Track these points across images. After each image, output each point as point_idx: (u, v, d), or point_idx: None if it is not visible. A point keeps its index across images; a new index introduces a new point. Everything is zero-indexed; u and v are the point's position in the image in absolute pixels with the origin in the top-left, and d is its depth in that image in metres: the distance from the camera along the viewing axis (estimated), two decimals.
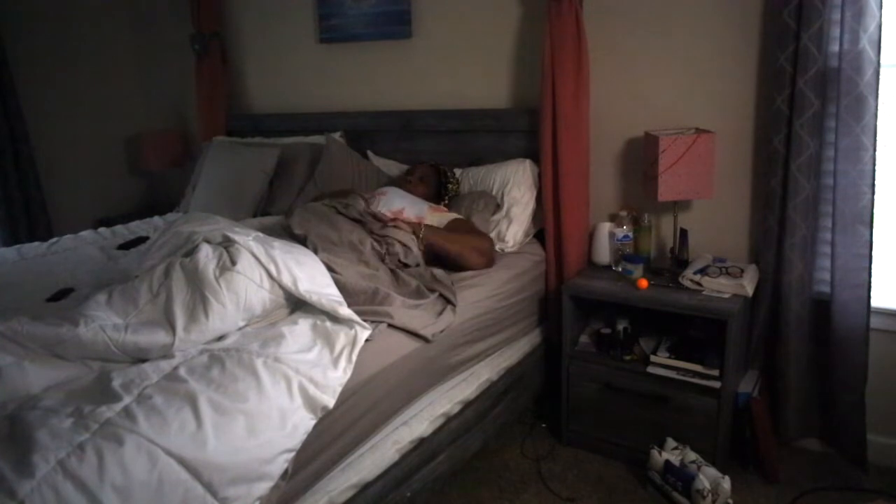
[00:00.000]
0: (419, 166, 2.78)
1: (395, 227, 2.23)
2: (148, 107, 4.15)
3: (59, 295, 2.06)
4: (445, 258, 2.30)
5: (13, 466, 1.14)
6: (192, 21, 3.57)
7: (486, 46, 2.91)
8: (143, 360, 1.53)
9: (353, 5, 3.22)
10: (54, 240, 2.87)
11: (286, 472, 1.46)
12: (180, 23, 3.71)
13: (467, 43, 2.96)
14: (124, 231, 3.04)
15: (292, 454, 1.47)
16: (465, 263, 2.33)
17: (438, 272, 2.18)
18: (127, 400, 1.33)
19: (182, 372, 1.45)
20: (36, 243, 2.83)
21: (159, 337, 1.55)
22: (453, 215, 2.51)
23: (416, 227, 2.26)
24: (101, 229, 3.08)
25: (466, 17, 2.93)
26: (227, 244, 1.76)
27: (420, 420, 1.97)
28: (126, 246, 2.71)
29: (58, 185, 3.75)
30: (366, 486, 1.76)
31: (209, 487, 1.30)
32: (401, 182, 2.73)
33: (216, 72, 3.61)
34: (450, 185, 2.74)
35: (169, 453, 1.26)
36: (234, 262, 1.69)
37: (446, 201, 2.72)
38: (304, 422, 1.51)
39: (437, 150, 2.98)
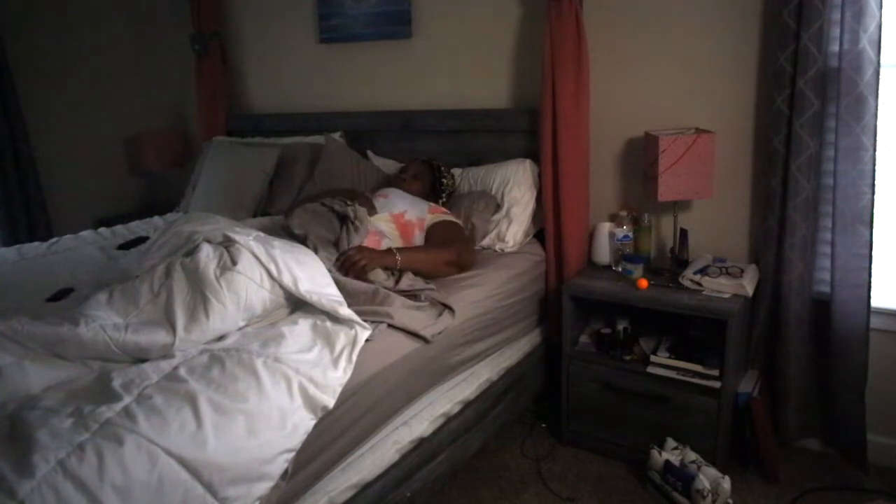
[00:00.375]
0: (412, 164, 2.76)
1: (368, 263, 2.07)
2: (148, 107, 4.15)
3: (59, 295, 2.06)
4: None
5: (13, 466, 1.14)
6: (192, 21, 3.57)
7: (486, 46, 2.91)
8: (144, 360, 1.53)
9: (353, 5, 3.22)
10: (54, 240, 2.87)
11: (286, 472, 1.46)
12: (180, 23, 3.71)
13: (467, 43, 2.96)
14: (124, 231, 3.04)
15: (292, 454, 1.47)
16: (437, 276, 2.26)
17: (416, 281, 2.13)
18: (127, 400, 1.33)
19: (182, 372, 1.45)
20: (36, 243, 2.83)
21: (160, 337, 1.55)
22: (446, 217, 2.46)
23: (391, 262, 2.12)
24: (101, 229, 3.08)
25: (466, 17, 2.93)
26: (227, 244, 1.76)
27: (420, 420, 1.97)
28: (126, 246, 2.71)
29: (58, 185, 3.75)
30: (366, 486, 1.76)
31: (209, 487, 1.30)
32: (395, 180, 2.71)
33: (216, 72, 3.61)
34: (444, 180, 2.71)
35: (169, 453, 1.26)
36: (234, 262, 1.69)
37: (444, 199, 2.71)
38: (304, 422, 1.51)
39: (437, 150, 2.97)
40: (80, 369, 1.48)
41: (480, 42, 2.92)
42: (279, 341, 1.60)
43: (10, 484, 1.11)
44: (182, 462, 1.27)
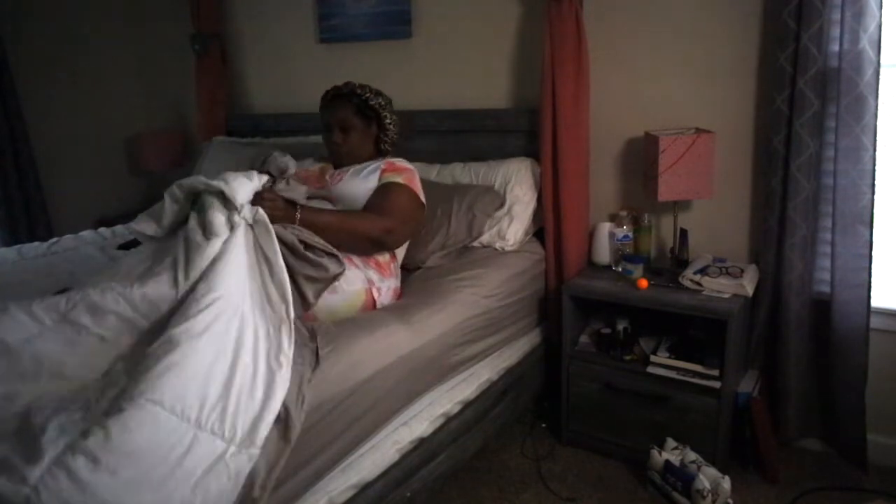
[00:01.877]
0: (331, 117, 2.24)
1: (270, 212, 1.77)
2: (148, 107, 4.15)
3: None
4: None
5: (23, 454, 1.15)
6: (192, 21, 3.57)
7: (486, 46, 2.91)
8: (153, 324, 1.53)
9: (353, 5, 3.22)
10: (54, 240, 2.88)
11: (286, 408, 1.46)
12: (180, 23, 3.71)
13: (467, 43, 2.96)
14: (124, 231, 3.04)
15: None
16: (351, 251, 1.99)
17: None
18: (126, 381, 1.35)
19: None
20: (36, 243, 2.84)
21: (164, 287, 1.56)
22: (393, 178, 2.14)
23: (289, 218, 1.82)
24: (101, 229, 3.09)
25: (466, 17, 2.93)
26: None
27: (420, 420, 1.97)
28: (126, 246, 2.71)
29: (58, 185, 3.75)
30: (366, 486, 1.76)
31: (211, 428, 1.32)
32: (334, 151, 2.28)
33: (216, 72, 3.61)
34: (371, 102, 2.24)
35: (173, 411, 1.28)
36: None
37: (391, 126, 2.29)
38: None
39: (437, 149, 2.97)
40: (93, 343, 1.48)
41: (480, 42, 2.92)
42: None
43: (21, 471, 1.12)
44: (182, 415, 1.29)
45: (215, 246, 1.62)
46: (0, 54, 3.39)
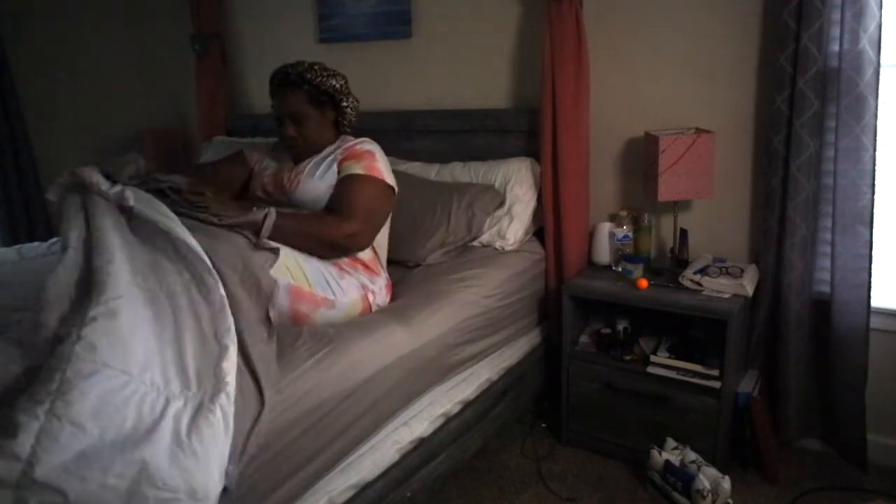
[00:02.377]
0: (282, 105, 2.07)
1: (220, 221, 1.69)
2: (148, 107, 4.15)
3: None
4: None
5: (8, 433, 1.13)
6: (192, 21, 3.57)
7: (486, 46, 2.91)
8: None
9: (353, 5, 3.22)
10: (54, 240, 2.87)
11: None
12: (180, 23, 3.71)
13: (467, 43, 2.96)
14: None
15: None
16: (310, 255, 1.90)
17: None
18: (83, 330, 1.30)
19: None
20: (36, 243, 2.84)
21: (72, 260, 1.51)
22: (354, 171, 2.02)
23: (253, 223, 1.71)
24: None
25: (466, 17, 2.93)
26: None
27: (420, 420, 1.97)
28: None
29: None
30: (366, 486, 1.76)
31: (180, 392, 1.31)
32: (289, 145, 2.13)
33: (216, 72, 3.61)
34: (322, 86, 2.08)
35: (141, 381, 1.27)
36: None
37: (350, 111, 2.17)
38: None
39: (437, 149, 2.97)
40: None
41: (480, 42, 2.92)
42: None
43: (11, 449, 1.10)
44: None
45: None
46: (0, 54, 3.40)
